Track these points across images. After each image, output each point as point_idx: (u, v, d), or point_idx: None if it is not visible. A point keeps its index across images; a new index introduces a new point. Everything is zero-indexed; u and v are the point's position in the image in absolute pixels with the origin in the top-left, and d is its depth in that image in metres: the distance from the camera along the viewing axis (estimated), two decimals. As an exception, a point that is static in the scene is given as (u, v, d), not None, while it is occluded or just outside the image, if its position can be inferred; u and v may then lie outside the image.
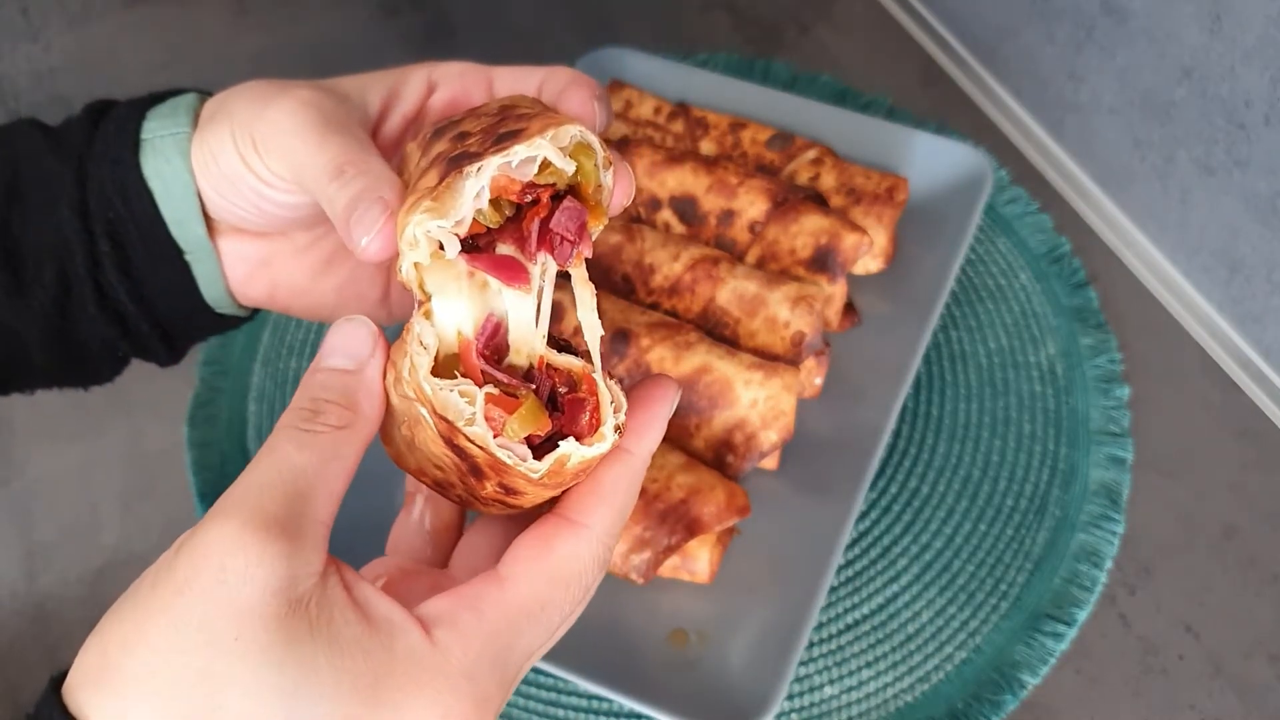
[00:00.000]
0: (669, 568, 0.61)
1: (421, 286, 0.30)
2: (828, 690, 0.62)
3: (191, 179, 0.38)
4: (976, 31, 1.30)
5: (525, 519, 0.32)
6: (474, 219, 0.29)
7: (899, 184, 0.74)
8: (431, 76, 0.38)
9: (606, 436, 0.28)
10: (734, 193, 0.71)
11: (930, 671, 0.62)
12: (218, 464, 0.73)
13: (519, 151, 0.29)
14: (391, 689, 0.26)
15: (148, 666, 0.25)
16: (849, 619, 0.64)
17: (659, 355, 0.64)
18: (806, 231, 0.69)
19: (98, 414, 0.84)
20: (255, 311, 0.45)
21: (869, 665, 0.63)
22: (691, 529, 0.58)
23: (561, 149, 0.29)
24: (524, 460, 0.28)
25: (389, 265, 0.42)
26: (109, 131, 0.39)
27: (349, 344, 0.30)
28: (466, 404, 0.28)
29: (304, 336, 0.80)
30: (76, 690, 0.25)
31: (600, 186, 0.31)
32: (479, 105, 0.35)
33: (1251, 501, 0.71)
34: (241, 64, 1.98)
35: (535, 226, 0.30)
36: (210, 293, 0.41)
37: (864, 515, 0.68)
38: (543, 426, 0.28)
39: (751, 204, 0.71)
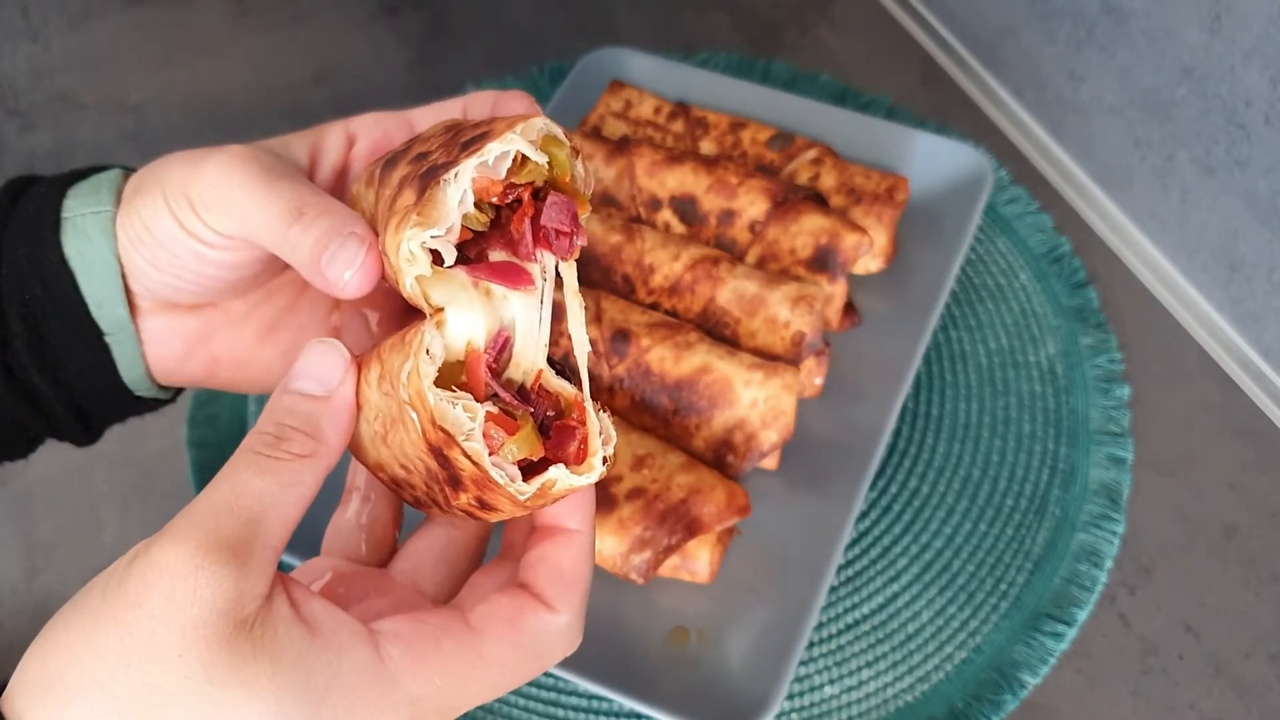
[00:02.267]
0: (669, 567, 0.61)
1: (428, 300, 0.30)
2: (828, 690, 0.62)
3: (115, 258, 0.37)
4: (977, 31, 1.30)
5: (470, 529, 0.34)
6: (462, 225, 0.29)
7: (899, 184, 0.74)
8: (349, 129, 0.38)
9: (595, 468, 0.29)
10: (734, 193, 0.71)
11: (930, 671, 0.62)
12: (217, 464, 0.73)
13: (492, 149, 0.29)
14: (335, 705, 0.26)
15: (93, 678, 0.25)
16: (849, 619, 0.64)
17: (659, 355, 0.64)
18: (806, 231, 0.69)
19: (98, 414, 0.84)
20: (176, 394, 0.43)
21: (869, 665, 0.63)
22: (692, 529, 0.58)
23: (531, 143, 0.30)
24: (513, 481, 0.28)
25: (335, 323, 0.40)
26: (28, 210, 0.38)
27: (320, 369, 0.31)
28: (468, 418, 0.28)
29: (304, 336, 0.80)
30: (17, 698, 0.26)
31: (574, 176, 0.31)
32: (421, 133, 0.35)
33: (1251, 501, 0.71)
34: (241, 64, 1.98)
35: (527, 227, 0.30)
36: (130, 375, 0.40)
37: (864, 515, 0.68)
38: (536, 452, 0.29)
39: (751, 204, 0.71)
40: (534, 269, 0.30)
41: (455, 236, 0.29)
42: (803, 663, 0.63)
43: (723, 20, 1.92)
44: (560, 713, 0.62)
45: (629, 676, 0.57)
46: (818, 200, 0.72)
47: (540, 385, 0.30)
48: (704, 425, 0.64)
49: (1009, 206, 0.84)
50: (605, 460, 0.29)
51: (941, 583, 0.65)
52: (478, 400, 0.29)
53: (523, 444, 0.28)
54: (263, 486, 0.28)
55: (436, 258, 0.29)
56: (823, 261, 0.69)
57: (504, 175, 0.29)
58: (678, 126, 0.80)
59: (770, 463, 0.65)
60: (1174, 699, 0.64)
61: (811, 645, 0.63)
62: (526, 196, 0.30)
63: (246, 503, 0.27)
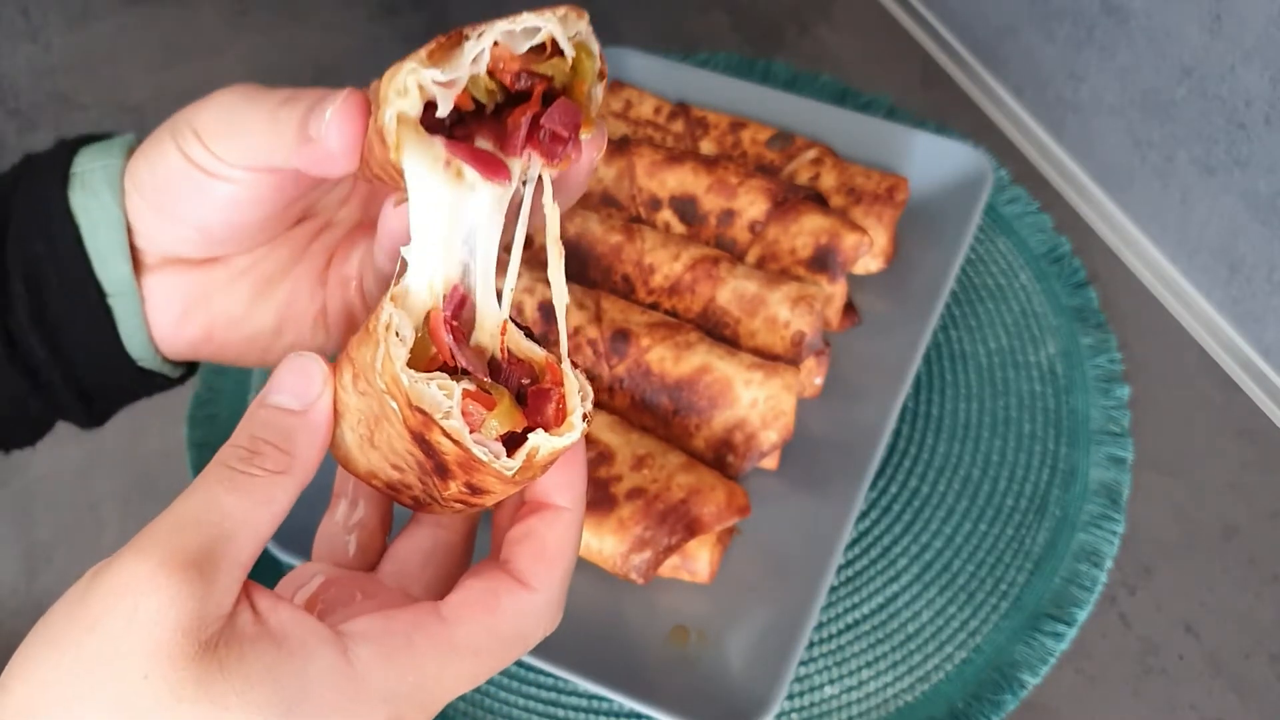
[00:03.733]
0: (669, 567, 0.61)
1: (396, 164, 0.28)
2: (828, 690, 0.62)
3: (120, 211, 0.36)
4: (977, 31, 1.30)
5: (457, 528, 0.34)
6: (465, 91, 0.28)
7: (899, 184, 0.74)
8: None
9: (576, 426, 0.28)
10: (734, 192, 0.71)
11: (930, 671, 0.62)
12: (218, 464, 0.73)
13: (526, 18, 0.28)
14: (306, 713, 0.26)
15: (60, 705, 0.25)
16: (849, 619, 0.64)
17: (659, 355, 0.64)
18: (806, 231, 0.69)
19: (98, 414, 0.84)
20: (186, 373, 0.42)
21: (869, 665, 0.63)
22: (691, 529, 0.58)
23: (568, 38, 0.29)
24: (498, 458, 0.27)
25: (324, 283, 0.39)
26: (40, 167, 0.38)
27: (298, 382, 0.29)
28: (445, 397, 0.27)
29: (304, 336, 0.80)
30: None
31: (590, 96, 0.30)
32: None
33: (1251, 501, 0.72)
34: (241, 64, 1.98)
35: (526, 120, 0.28)
36: (133, 343, 0.38)
37: (864, 515, 0.68)
38: (518, 424, 0.27)
39: (751, 204, 0.71)
40: (514, 167, 0.29)
41: (456, 91, 0.28)
42: (803, 663, 0.63)
43: (723, 20, 1.92)
44: (560, 713, 0.62)
45: (629, 676, 0.57)
46: (818, 200, 0.72)
47: (510, 353, 0.29)
48: (704, 425, 0.64)
49: (1009, 206, 0.84)
50: (585, 417, 0.28)
51: (942, 583, 0.65)
52: (449, 365, 0.28)
53: (503, 418, 0.27)
54: (233, 503, 0.27)
55: (426, 124, 0.28)
56: (823, 261, 0.69)
57: (526, 52, 0.28)
58: (678, 126, 0.80)
59: (770, 463, 0.65)
60: (1174, 699, 0.64)
61: (811, 645, 0.63)
62: (537, 92, 0.29)
63: (215, 518, 0.27)
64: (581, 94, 0.29)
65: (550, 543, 0.30)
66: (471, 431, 0.27)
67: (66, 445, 0.84)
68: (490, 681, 0.63)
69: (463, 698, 0.62)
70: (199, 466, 0.73)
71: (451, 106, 0.28)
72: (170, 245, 0.37)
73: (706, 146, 0.79)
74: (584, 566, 0.62)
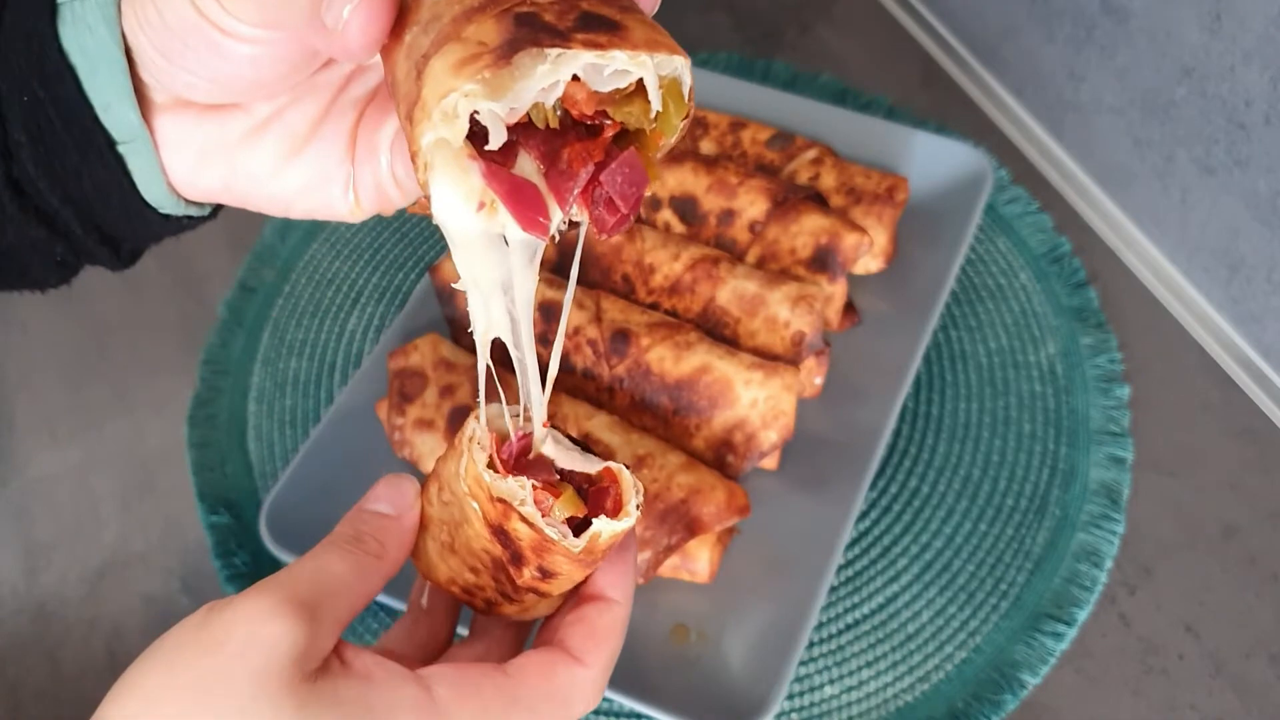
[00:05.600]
0: (669, 567, 0.61)
1: (427, 173, 0.25)
2: (828, 690, 0.62)
3: (121, 53, 0.32)
4: (977, 31, 1.30)
5: (508, 641, 0.38)
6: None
7: (899, 184, 0.74)
8: None
9: (631, 513, 0.32)
10: (734, 192, 0.71)
11: (930, 671, 0.62)
12: (217, 464, 0.73)
13: (619, 59, 0.23)
14: None
15: (175, 716, 0.28)
16: (849, 618, 0.64)
17: (659, 355, 0.64)
18: (807, 231, 0.69)
19: (98, 413, 0.84)
20: (214, 211, 0.38)
21: (869, 665, 0.63)
22: (692, 529, 0.58)
23: (659, 82, 0.24)
24: (565, 537, 0.31)
25: (353, 150, 0.35)
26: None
27: (393, 495, 0.35)
28: (519, 488, 0.31)
29: (304, 337, 0.80)
30: None
31: (662, 147, 0.26)
32: None
33: (1251, 501, 0.72)
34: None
35: (586, 172, 0.25)
36: (150, 191, 0.35)
37: (864, 515, 0.68)
38: (580, 511, 0.32)
39: (751, 204, 0.71)
40: (554, 218, 0.26)
41: (513, 119, 0.24)
42: (803, 662, 0.63)
43: (723, 20, 1.92)
44: (560, 713, 0.62)
45: (629, 676, 0.57)
46: (818, 200, 0.72)
47: (568, 470, 0.33)
48: (704, 425, 0.64)
49: (1009, 206, 0.84)
50: (638, 506, 0.32)
51: (942, 583, 0.65)
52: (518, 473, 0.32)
53: (567, 504, 0.31)
54: (341, 570, 0.32)
55: (472, 138, 0.24)
56: (823, 261, 0.69)
57: (605, 91, 0.24)
58: (678, 126, 0.80)
59: (770, 463, 0.65)
60: (1174, 699, 0.64)
61: (811, 645, 0.63)
62: (605, 137, 0.25)
63: (324, 578, 0.31)
64: (655, 147, 0.26)
65: (601, 627, 0.34)
66: (543, 515, 0.31)
67: (66, 445, 0.84)
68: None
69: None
70: (199, 466, 0.73)
71: (504, 134, 0.24)
72: (180, 89, 0.32)
73: (706, 146, 0.79)
74: (584, 566, 0.62)
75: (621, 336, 0.65)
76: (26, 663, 0.74)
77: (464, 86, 0.22)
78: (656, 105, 0.24)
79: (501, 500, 0.31)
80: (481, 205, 0.25)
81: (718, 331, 0.67)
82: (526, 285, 0.29)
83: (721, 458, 0.63)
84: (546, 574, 0.33)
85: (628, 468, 0.33)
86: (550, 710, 0.32)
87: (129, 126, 0.33)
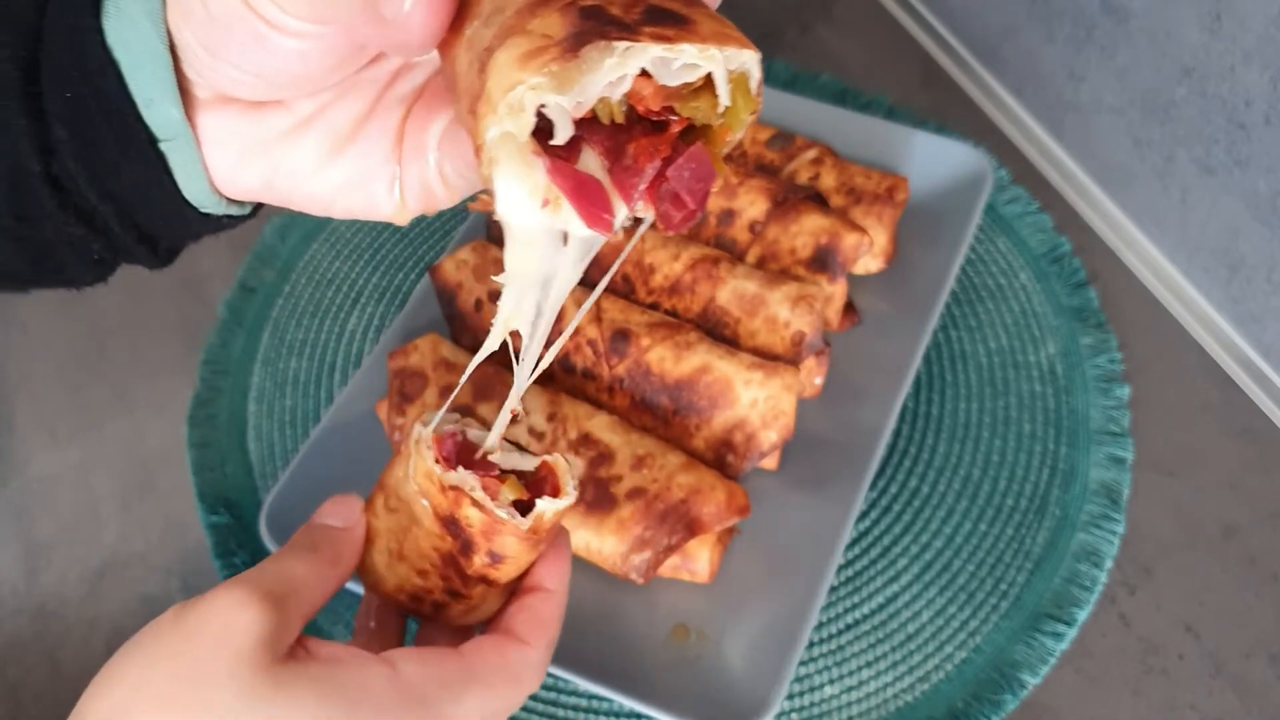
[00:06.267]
0: (669, 567, 0.61)
1: (490, 168, 0.25)
2: (828, 690, 0.62)
3: (164, 47, 0.31)
4: (976, 31, 1.30)
5: (454, 644, 0.40)
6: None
7: (899, 184, 0.74)
8: None
9: (571, 493, 0.35)
10: (734, 192, 0.71)
11: (930, 671, 0.62)
12: (218, 463, 0.73)
13: (689, 53, 0.22)
14: (367, 710, 0.32)
15: (154, 702, 0.30)
16: (849, 618, 0.64)
17: (659, 355, 0.64)
18: (807, 231, 0.69)
19: (98, 413, 0.84)
20: (254, 209, 0.38)
21: (869, 665, 0.63)
22: (692, 529, 0.58)
23: (729, 76, 0.24)
24: (514, 517, 0.34)
25: (399, 149, 0.34)
26: None
27: (341, 511, 0.39)
28: (470, 475, 0.34)
29: (303, 337, 0.80)
30: None
31: (729, 141, 0.25)
32: None
33: (1251, 501, 0.71)
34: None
35: (653, 168, 0.24)
36: (191, 188, 0.34)
37: (864, 515, 0.68)
38: (523, 495, 0.35)
39: (752, 204, 0.71)
40: (619, 216, 0.25)
41: (578, 114, 0.23)
42: (802, 662, 0.63)
43: (723, 20, 1.92)
44: (560, 712, 0.62)
45: (629, 676, 0.57)
46: (818, 200, 0.72)
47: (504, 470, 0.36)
48: (704, 425, 0.64)
49: (1009, 206, 0.84)
50: (575, 486, 0.36)
51: (942, 583, 0.65)
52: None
53: (512, 489, 0.35)
54: (302, 570, 0.35)
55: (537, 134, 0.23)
56: (823, 261, 0.69)
57: (674, 85, 0.23)
58: (678, 126, 0.80)
59: (770, 463, 0.65)
60: (1174, 698, 0.64)
61: (811, 645, 0.63)
62: (672, 133, 0.24)
63: (287, 576, 0.34)
64: (722, 143, 0.25)
65: (543, 614, 0.38)
66: (492, 500, 0.34)
67: (66, 444, 0.84)
68: (490, 681, 0.63)
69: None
70: (199, 466, 0.73)
71: (571, 129, 0.23)
72: (223, 85, 0.32)
73: (706, 146, 0.79)
74: (584, 566, 0.62)
75: (622, 336, 0.65)
76: (26, 663, 0.75)
77: (530, 79, 0.22)
78: (725, 100, 0.24)
79: (454, 488, 0.34)
80: (546, 202, 0.25)
81: (718, 331, 0.67)
82: (569, 281, 0.29)
83: (721, 458, 0.63)
84: (496, 558, 0.35)
85: (566, 458, 0.36)
86: (503, 684, 0.36)
87: (171, 123, 0.32)
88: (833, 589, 0.65)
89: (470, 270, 0.71)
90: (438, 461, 0.34)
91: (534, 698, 0.62)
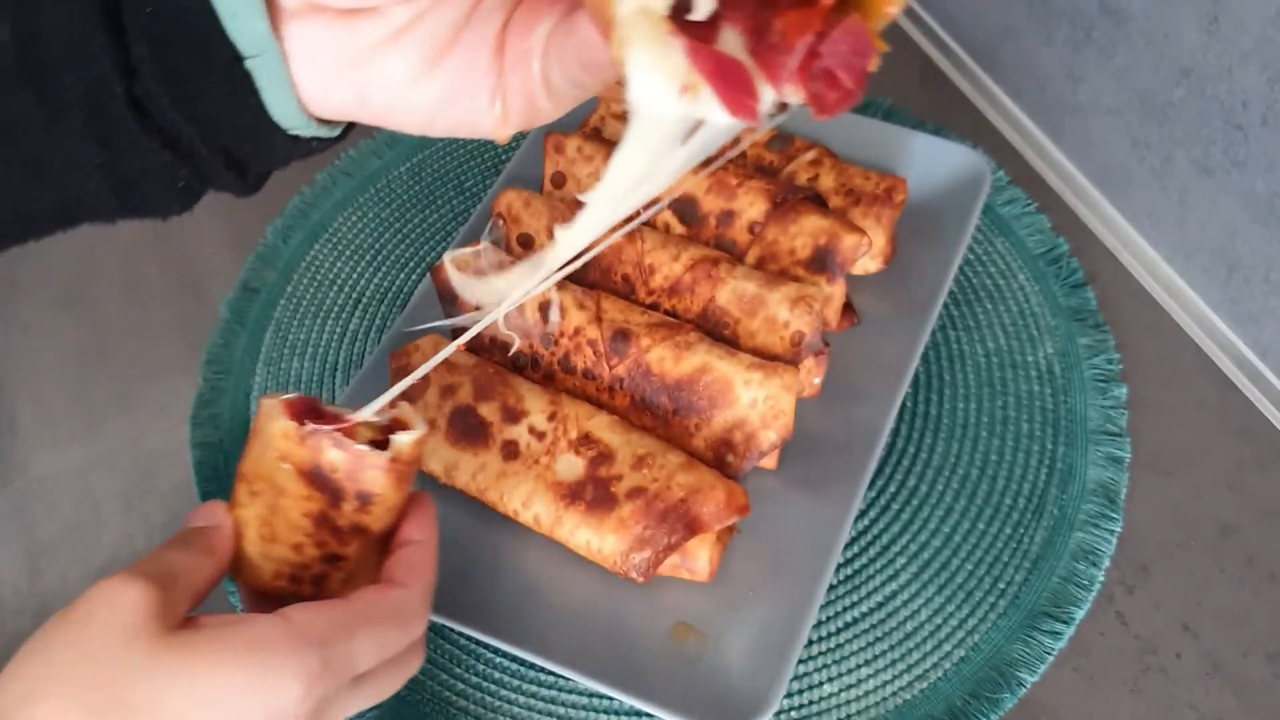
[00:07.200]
0: (669, 566, 0.61)
1: (621, 49, 0.22)
2: (826, 688, 0.62)
3: None
4: (975, 33, 1.30)
5: None
6: None
7: (898, 184, 0.74)
8: None
9: (419, 426, 0.40)
10: (733, 193, 0.72)
11: (929, 669, 0.62)
12: (220, 464, 0.74)
13: None
14: (262, 654, 0.34)
15: (59, 681, 0.33)
16: (848, 617, 0.65)
17: (659, 355, 0.64)
18: (806, 232, 0.70)
19: (99, 413, 0.84)
20: (345, 131, 0.36)
21: (868, 663, 0.63)
22: (691, 528, 0.59)
23: None
24: (373, 451, 0.38)
25: (500, 58, 0.32)
26: None
27: (207, 513, 0.41)
28: (328, 427, 0.38)
29: (305, 337, 0.80)
30: None
31: (885, 14, 0.23)
32: None
33: (1250, 501, 0.72)
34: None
35: (805, 44, 0.21)
36: (278, 108, 0.32)
37: (863, 514, 0.68)
38: (378, 435, 0.39)
39: (751, 204, 0.71)
40: (765, 100, 0.22)
41: None
42: (801, 660, 0.63)
43: (722, 21, 1.92)
44: (560, 710, 0.62)
45: (629, 674, 0.57)
46: (817, 201, 0.72)
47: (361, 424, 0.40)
48: (704, 425, 0.64)
49: (1007, 207, 0.84)
50: (422, 421, 0.40)
51: (940, 581, 0.66)
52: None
53: (367, 430, 0.39)
54: (179, 558, 0.38)
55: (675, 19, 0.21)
56: (822, 262, 0.69)
57: None
58: (677, 127, 0.80)
59: (770, 462, 0.66)
60: (1172, 697, 0.64)
61: (810, 643, 0.64)
62: (825, 3, 0.21)
63: (167, 560, 0.37)
64: (879, 14, 0.22)
65: (415, 559, 0.42)
66: (352, 439, 0.38)
67: (68, 445, 0.84)
68: (490, 679, 0.63)
69: (464, 695, 0.62)
70: (201, 466, 0.74)
71: (712, 8, 0.21)
72: None
73: (706, 147, 0.79)
74: (584, 565, 0.62)
75: (621, 337, 0.65)
76: (28, 662, 0.75)
77: None
78: None
79: (313, 434, 0.37)
80: (685, 89, 0.22)
81: (717, 332, 0.68)
82: (669, 175, 0.27)
83: (721, 457, 0.64)
84: (365, 499, 0.38)
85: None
86: (389, 622, 0.39)
87: (257, 37, 0.30)
88: (831, 587, 0.66)
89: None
90: (292, 420, 0.37)
91: (533, 695, 0.62)
